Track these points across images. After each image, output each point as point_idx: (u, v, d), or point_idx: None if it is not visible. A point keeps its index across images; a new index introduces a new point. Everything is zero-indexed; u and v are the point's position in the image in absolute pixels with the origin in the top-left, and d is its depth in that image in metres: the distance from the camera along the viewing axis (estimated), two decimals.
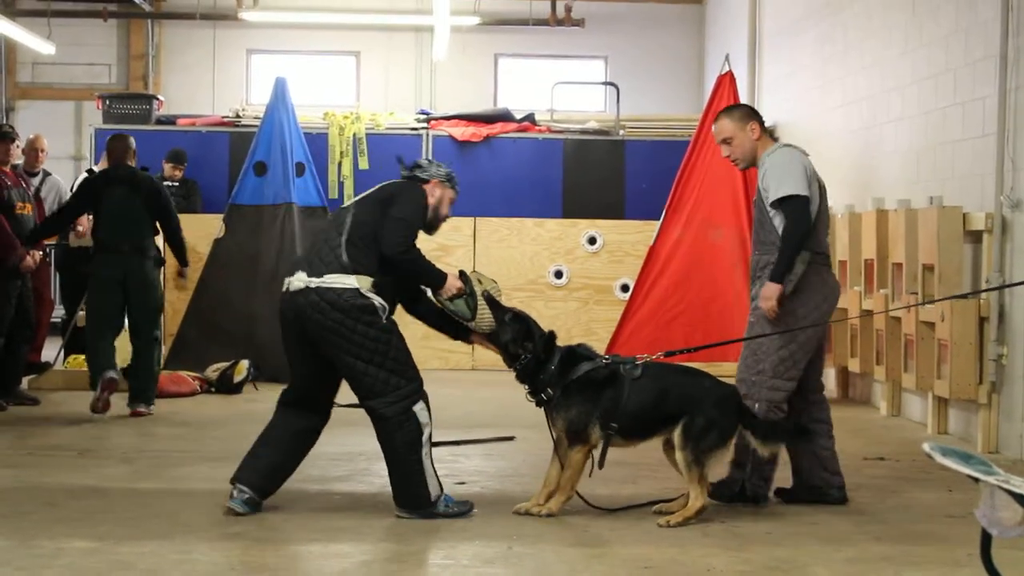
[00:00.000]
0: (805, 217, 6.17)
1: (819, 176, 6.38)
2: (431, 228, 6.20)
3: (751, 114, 6.51)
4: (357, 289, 5.80)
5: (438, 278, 5.99)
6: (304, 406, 6.09)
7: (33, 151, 11.13)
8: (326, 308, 5.79)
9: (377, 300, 5.83)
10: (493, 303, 6.03)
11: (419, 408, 5.90)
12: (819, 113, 12.03)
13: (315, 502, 6.24)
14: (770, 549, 5.47)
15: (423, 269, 5.98)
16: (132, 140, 9.57)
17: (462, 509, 5.99)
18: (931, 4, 9.33)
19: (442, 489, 5.97)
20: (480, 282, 6.07)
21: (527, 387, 6.05)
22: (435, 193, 6.16)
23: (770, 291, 6.19)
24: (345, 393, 6.16)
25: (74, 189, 10.59)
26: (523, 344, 6.00)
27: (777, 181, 6.20)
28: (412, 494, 5.89)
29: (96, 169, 11.27)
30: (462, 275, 6.07)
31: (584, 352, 6.10)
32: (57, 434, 8.33)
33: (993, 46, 8.20)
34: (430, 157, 6.41)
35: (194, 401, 10.05)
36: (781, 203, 6.19)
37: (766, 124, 6.55)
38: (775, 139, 6.59)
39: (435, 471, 5.96)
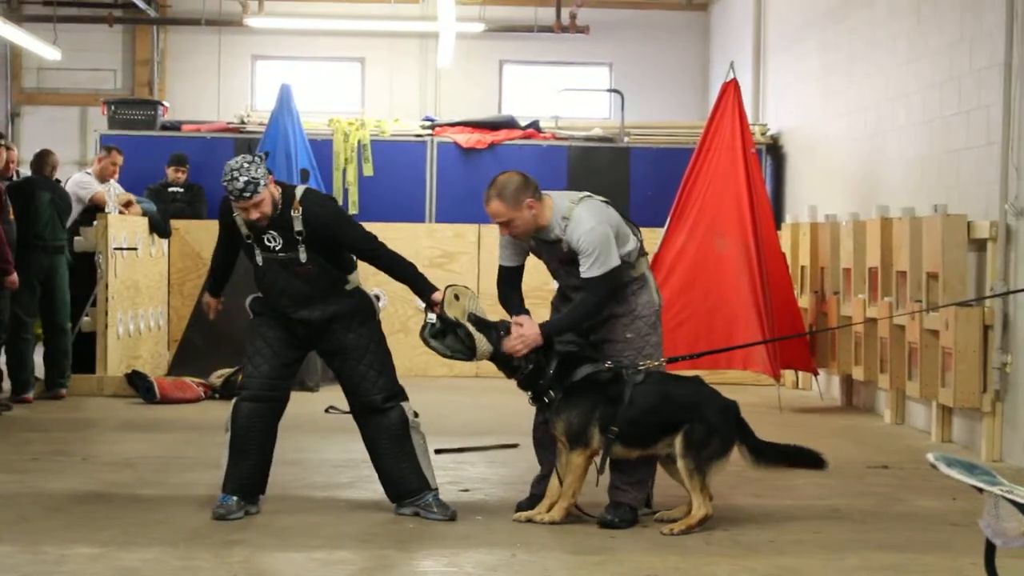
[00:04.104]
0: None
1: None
2: None
3: (524, 188, 5.98)
4: (358, 287, 6.13)
5: (425, 283, 6.00)
6: (266, 397, 6.23)
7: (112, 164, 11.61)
8: (341, 317, 6.05)
9: (371, 293, 6.21)
10: (482, 323, 5.92)
11: (407, 405, 6.12)
12: (823, 121, 12.03)
13: (318, 509, 6.24)
14: (773, 557, 5.47)
15: (404, 264, 6.07)
16: None
17: (447, 513, 6.04)
18: (935, 12, 9.34)
19: (436, 485, 6.12)
20: (458, 298, 5.91)
21: (530, 394, 6.04)
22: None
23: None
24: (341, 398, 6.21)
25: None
26: (526, 356, 5.94)
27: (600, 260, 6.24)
28: (408, 478, 6.03)
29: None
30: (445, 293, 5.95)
31: (586, 355, 6.08)
32: (61, 440, 8.33)
33: (998, 54, 8.20)
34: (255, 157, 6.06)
35: (198, 407, 10.04)
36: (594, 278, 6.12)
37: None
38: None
39: (430, 463, 6.13)
